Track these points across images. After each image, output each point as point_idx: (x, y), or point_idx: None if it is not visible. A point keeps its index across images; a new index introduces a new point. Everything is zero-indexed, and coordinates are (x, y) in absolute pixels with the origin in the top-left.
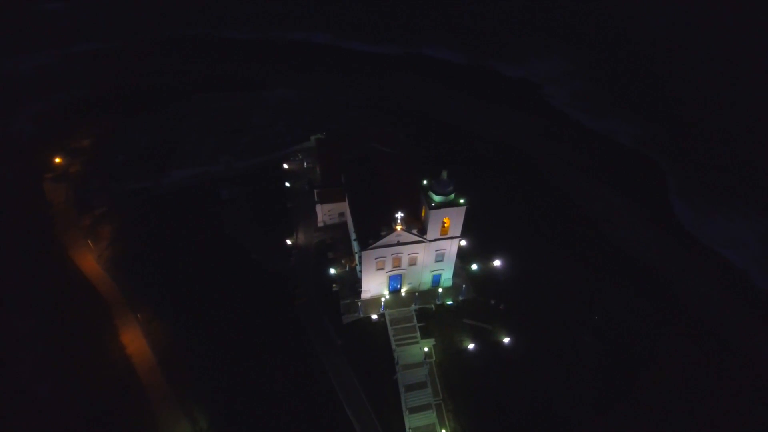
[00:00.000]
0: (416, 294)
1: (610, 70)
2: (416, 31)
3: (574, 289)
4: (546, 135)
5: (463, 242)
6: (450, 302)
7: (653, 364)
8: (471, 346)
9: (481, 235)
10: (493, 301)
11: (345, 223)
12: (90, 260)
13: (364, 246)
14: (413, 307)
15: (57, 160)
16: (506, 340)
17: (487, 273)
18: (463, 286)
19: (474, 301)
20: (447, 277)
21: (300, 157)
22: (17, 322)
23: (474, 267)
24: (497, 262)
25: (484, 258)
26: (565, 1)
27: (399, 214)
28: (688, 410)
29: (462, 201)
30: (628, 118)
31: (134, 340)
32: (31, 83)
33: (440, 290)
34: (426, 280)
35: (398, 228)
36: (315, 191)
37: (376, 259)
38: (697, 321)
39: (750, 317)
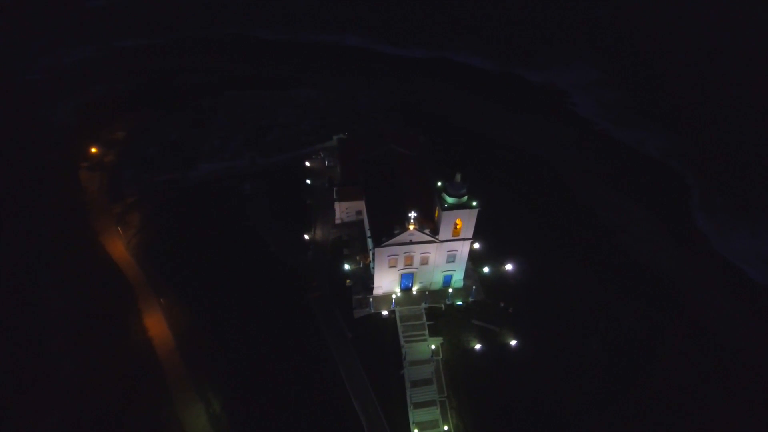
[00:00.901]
0: (427, 293)
1: (638, 79)
2: (444, 36)
3: (585, 298)
4: (570, 143)
5: (477, 245)
6: (460, 303)
7: (660, 376)
8: (478, 346)
9: (494, 239)
10: (502, 304)
11: (361, 221)
12: (119, 246)
13: (378, 243)
14: (423, 305)
15: (93, 150)
16: (513, 342)
17: (498, 276)
18: (474, 287)
19: (483, 303)
20: (458, 278)
21: (322, 155)
22: (49, 302)
23: (485, 269)
24: (509, 266)
25: (496, 261)
26: (595, 9)
27: (412, 214)
28: (693, 421)
29: (474, 203)
30: (656, 129)
31: (156, 324)
32: (72, 76)
33: (450, 290)
34: (437, 279)
35: (411, 227)
36: (334, 189)
37: (388, 256)
38: (709, 333)
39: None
